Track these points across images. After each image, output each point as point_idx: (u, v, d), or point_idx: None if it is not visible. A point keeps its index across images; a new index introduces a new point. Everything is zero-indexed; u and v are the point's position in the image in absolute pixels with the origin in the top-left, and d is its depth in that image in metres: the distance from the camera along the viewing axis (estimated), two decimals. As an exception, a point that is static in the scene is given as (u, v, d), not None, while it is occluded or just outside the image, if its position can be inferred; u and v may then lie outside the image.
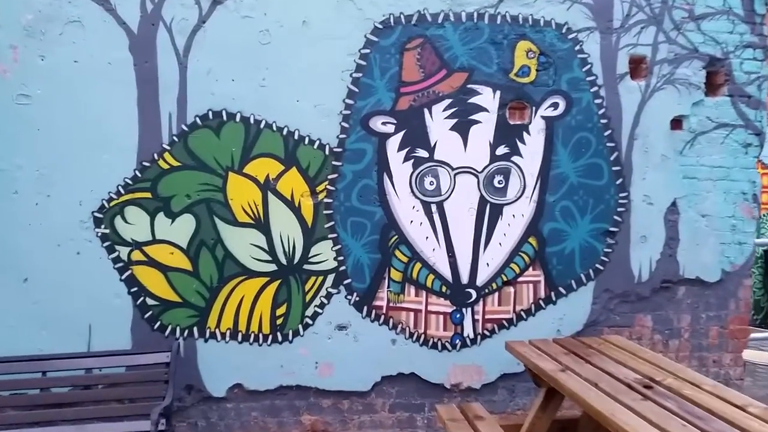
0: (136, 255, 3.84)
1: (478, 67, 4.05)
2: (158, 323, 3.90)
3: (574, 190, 4.19)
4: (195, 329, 3.94)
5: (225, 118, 3.86)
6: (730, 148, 4.39)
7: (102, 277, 3.81)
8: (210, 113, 3.85)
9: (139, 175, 3.82)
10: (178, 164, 3.85)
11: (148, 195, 3.83)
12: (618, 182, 4.25)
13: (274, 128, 3.90)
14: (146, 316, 3.88)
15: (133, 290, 3.86)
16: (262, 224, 3.93)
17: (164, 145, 3.83)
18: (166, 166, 3.84)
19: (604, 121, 4.21)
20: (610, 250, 4.28)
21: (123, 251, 3.83)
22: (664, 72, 4.27)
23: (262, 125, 3.89)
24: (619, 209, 4.27)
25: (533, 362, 3.20)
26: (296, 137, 3.92)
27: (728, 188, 4.40)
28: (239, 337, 3.97)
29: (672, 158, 4.32)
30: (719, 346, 4.49)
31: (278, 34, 3.88)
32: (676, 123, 4.34)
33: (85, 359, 3.70)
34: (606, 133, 4.22)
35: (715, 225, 4.40)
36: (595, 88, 4.19)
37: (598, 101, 4.19)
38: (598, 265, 4.27)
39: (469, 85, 4.04)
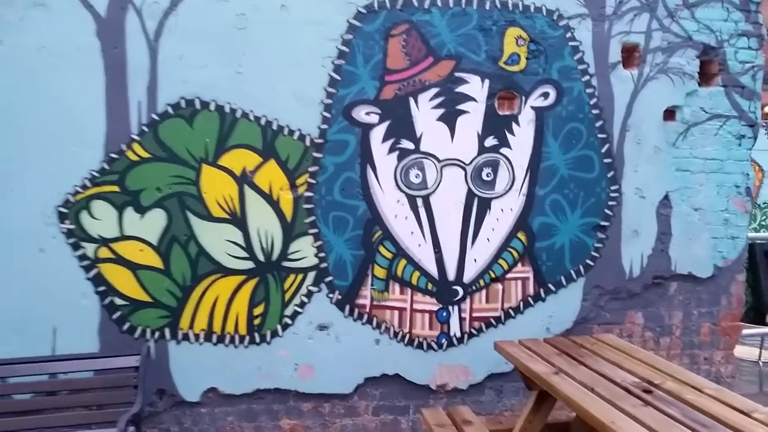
0: (104, 252, 3.64)
1: (466, 55, 3.89)
2: (127, 324, 3.70)
3: (564, 183, 4.07)
4: (167, 330, 3.75)
5: (198, 106, 3.66)
6: (723, 140, 4.28)
7: (67, 276, 3.61)
8: (182, 102, 3.65)
9: (107, 167, 3.61)
10: (148, 156, 3.64)
11: (116, 188, 3.62)
12: (609, 175, 4.14)
13: (251, 118, 3.71)
14: (114, 317, 3.69)
15: (100, 290, 3.65)
16: (238, 219, 3.75)
17: (133, 136, 3.62)
18: (135, 158, 3.63)
19: (595, 111, 4.09)
20: (600, 245, 4.17)
21: (89, 248, 3.63)
22: (657, 61, 4.15)
23: (238, 114, 3.70)
24: (610, 203, 4.16)
25: (524, 364, 3.05)
26: (275, 127, 3.74)
27: (721, 181, 4.30)
28: (214, 339, 3.79)
29: (665, 150, 4.21)
30: (711, 343, 4.40)
31: (255, 18, 3.68)
32: (669, 114, 4.22)
33: (49, 363, 3.48)
34: (597, 124, 4.10)
35: (708, 219, 4.31)
36: (587, 78, 4.06)
37: (589, 91, 4.07)
38: (588, 261, 4.16)
39: (456, 74, 3.88)
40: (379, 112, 3.83)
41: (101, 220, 3.63)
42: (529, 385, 3.21)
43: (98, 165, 3.60)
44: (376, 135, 3.84)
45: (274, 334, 3.84)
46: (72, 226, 3.60)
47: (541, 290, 4.11)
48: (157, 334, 3.74)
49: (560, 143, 4.04)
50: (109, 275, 3.66)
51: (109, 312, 3.68)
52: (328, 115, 3.79)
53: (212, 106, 3.67)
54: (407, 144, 3.88)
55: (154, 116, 3.63)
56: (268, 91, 3.72)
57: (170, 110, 3.64)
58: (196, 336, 3.77)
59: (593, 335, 3.75)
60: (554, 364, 3.03)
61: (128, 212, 3.65)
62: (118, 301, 3.68)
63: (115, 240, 3.65)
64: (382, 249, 3.91)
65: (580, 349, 3.30)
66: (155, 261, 3.69)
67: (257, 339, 3.83)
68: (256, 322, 3.82)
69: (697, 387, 2.69)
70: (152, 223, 3.67)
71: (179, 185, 3.68)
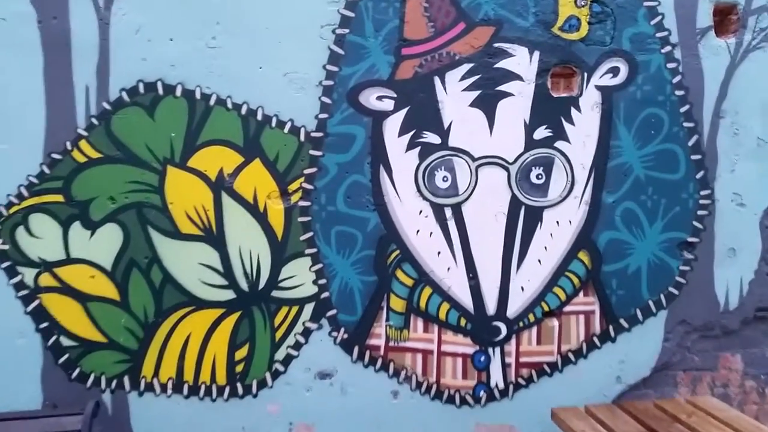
0: (46, 279, 3.06)
1: (508, 19, 3.20)
2: (77, 370, 3.09)
3: (640, 187, 3.35)
4: (126, 379, 3.13)
5: (161, 91, 3.05)
6: None
7: (1, 310, 3.04)
8: (141, 86, 3.04)
9: (47, 171, 3.01)
10: (99, 156, 3.04)
11: (60, 198, 3.04)
12: (698, 176, 3.41)
13: (229, 105, 3.10)
14: (61, 361, 3.08)
15: (42, 326, 3.06)
16: (214, 237, 3.14)
17: (80, 131, 3.02)
18: (82, 159, 3.03)
19: (679, 92, 3.35)
20: (687, 269, 3.42)
21: (28, 274, 3.04)
22: (762, 25, 3.40)
23: (212, 101, 3.08)
24: (699, 213, 3.42)
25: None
26: (259, 117, 3.12)
27: None
28: (185, 390, 3.17)
29: (771, 143, 3.46)
30: (835, 394, 3.54)
31: (232, -24, 3.05)
32: (777, 96, 3.45)
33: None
34: (682, 110, 3.37)
35: (828, 233, 3.51)
36: (668, 48, 3.33)
37: (671, 66, 3.33)
38: (672, 289, 3.42)
39: (496, 44, 3.20)
40: (395, 96, 3.18)
41: (42, 238, 3.03)
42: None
43: (36, 168, 3.00)
44: (391, 126, 3.20)
45: (262, 384, 3.22)
46: (6, 247, 3.01)
47: (611, 327, 3.39)
48: (114, 383, 3.13)
49: (634, 134, 3.33)
50: (54, 308, 3.07)
51: (55, 355, 3.07)
52: (328, 101, 3.15)
53: (179, 91, 3.05)
54: (432, 137, 3.22)
55: (106, 105, 3.02)
56: (252, 70, 3.10)
57: (126, 97, 3.03)
58: (163, 386, 3.15)
59: (687, 398, 2.93)
60: (643, 452, 2.15)
61: (75, 228, 3.05)
62: (66, 341, 3.08)
63: (60, 264, 3.05)
64: (400, 274, 3.27)
65: (673, 425, 2.45)
66: (110, 290, 3.09)
67: (240, 391, 3.21)
68: (239, 369, 3.20)
69: None
70: (105, 242, 3.07)
71: (138, 193, 3.08)
